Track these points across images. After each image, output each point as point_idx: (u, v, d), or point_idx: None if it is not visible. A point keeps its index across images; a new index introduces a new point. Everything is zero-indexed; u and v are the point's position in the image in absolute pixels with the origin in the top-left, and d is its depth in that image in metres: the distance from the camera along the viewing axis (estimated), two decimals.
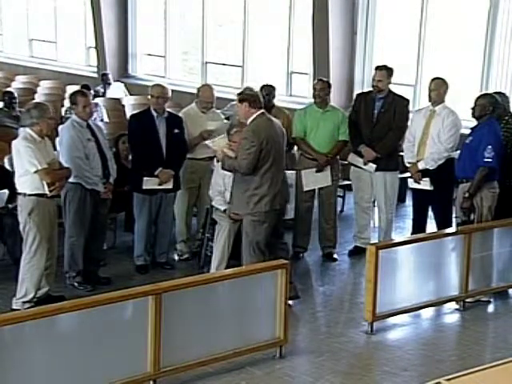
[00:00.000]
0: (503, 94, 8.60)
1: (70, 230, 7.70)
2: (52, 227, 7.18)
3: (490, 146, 7.51)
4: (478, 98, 7.80)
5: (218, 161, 7.72)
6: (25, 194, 7.03)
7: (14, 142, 7.08)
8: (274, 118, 7.34)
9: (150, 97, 8.25)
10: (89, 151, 7.58)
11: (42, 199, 7.02)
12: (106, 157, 7.76)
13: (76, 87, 14.15)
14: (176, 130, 8.18)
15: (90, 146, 7.60)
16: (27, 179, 6.99)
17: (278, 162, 7.20)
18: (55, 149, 7.84)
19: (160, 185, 8.08)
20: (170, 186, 8.14)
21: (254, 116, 7.07)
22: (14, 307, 7.10)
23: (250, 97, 7.10)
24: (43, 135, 7.09)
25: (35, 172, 6.93)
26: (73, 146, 7.50)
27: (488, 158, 7.52)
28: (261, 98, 7.20)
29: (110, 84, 15.22)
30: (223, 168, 7.32)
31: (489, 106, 7.67)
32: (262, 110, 7.16)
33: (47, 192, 7.00)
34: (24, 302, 7.11)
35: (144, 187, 8.07)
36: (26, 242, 7.09)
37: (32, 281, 7.11)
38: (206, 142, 8.12)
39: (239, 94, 7.20)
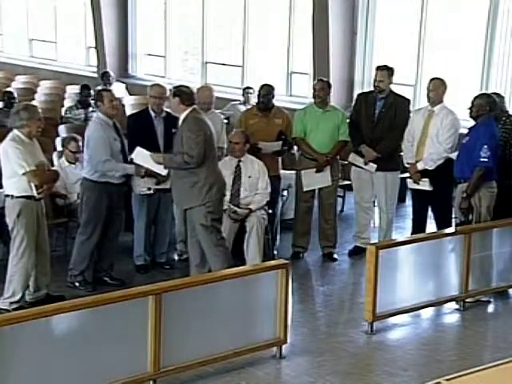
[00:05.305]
0: (499, 94, 8.60)
1: (82, 228, 7.72)
2: (40, 229, 7.13)
3: (485, 146, 7.50)
4: (475, 98, 7.78)
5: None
6: (12, 196, 6.97)
7: (1, 144, 7.04)
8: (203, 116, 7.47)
9: (148, 97, 8.24)
10: (113, 151, 7.58)
11: (30, 201, 6.98)
12: (127, 157, 7.73)
13: (76, 87, 14.21)
14: (174, 130, 8.17)
15: (115, 146, 7.61)
16: (15, 181, 6.93)
17: (215, 154, 7.39)
18: (44, 151, 7.59)
19: (158, 184, 8.08)
20: (168, 185, 8.14)
21: (187, 112, 7.18)
22: (1, 307, 7.07)
23: (182, 93, 7.20)
24: (32, 137, 7.03)
25: (23, 174, 6.88)
26: (101, 147, 7.51)
27: (484, 157, 7.51)
28: (194, 96, 7.33)
29: (111, 84, 15.19)
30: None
31: (486, 106, 7.66)
32: (194, 107, 7.26)
33: (35, 194, 6.96)
34: (11, 303, 7.07)
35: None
36: (13, 244, 7.05)
37: (20, 282, 7.07)
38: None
39: (174, 88, 7.30)
